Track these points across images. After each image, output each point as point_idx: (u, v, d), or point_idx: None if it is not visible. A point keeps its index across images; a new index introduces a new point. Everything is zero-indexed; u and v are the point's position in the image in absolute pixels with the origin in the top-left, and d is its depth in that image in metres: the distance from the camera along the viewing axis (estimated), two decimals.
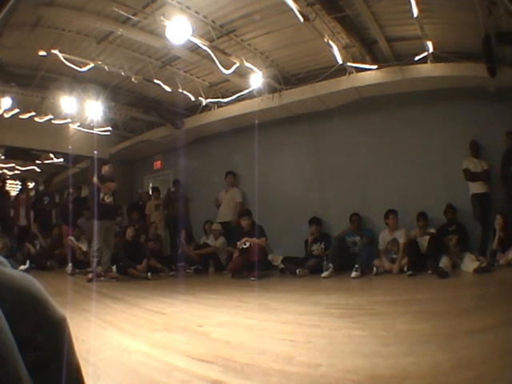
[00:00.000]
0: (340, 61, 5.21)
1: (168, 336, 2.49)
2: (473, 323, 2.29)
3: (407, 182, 5.71)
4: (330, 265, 5.15)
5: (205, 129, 7.49)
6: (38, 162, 10.74)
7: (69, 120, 7.53)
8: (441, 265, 4.44)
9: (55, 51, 5.20)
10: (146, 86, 6.56)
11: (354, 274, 4.91)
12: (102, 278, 5.42)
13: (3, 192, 8.73)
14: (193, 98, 6.66)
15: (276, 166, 6.98)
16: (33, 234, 7.37)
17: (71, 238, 6.82)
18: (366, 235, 5.61)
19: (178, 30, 4.40)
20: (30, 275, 0.92)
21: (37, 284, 0.90)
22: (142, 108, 7.71)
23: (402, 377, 1.58)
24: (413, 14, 4.12)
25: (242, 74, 5.95)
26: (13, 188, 10.79)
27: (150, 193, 9.07)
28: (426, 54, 4.92)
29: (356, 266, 4.97)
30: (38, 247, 7.04)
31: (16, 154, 9.56)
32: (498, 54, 4.58)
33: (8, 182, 10.64)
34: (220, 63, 5.27)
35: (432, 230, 5.19)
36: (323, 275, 5.08)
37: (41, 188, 12.56)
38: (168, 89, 6.28)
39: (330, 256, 5.31)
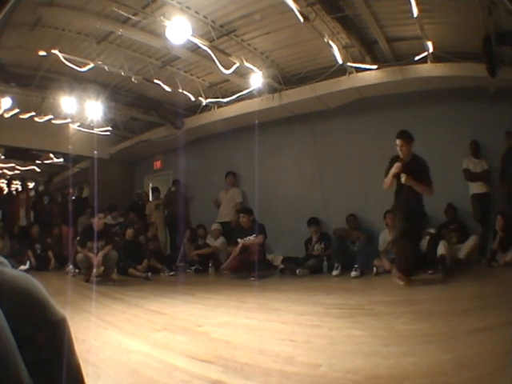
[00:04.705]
0: (340, 61, 5.21)
1: (168, 336, 2.49)
2: (473, 323, 2.29)
3: None
4: (337, 264, 5.16)
5: (205, 129, 7.49)
6: (38, 161, 10.75)
7: (69, 120, 7.52)
8: (439, 252, 4.50)
9: (55, 51, 5.20)
10: (146, 86, 6.55)
11: (353, 273, 4.91)
12: (100, 279, 5.40)
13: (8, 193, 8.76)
14: (193, 98, 6.65)
15: (276, 166, 6.98)
16: (33, 236, 7.32)
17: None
18: (364, 232, 5.59)
19: (178, 29, 4.39)
20: (30, 275, 0.92)
21: (37, 284, 0.90)
22: (142, 108, 7.70)
23: (401, 377, 1.57)
24: (413, 14, 4.12)
25: (242, 74, 5.95)
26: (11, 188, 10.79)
27: (150, 193, 9.09)
28: (425, 53, 4.92)
29: (355, 265, 4.97)
30: (39, 251, 7.02)
31: (16, 154, 9.56)
32: (497, 54, 4.58)
33: (13, 182, 10.67)
34: (220, 63, 5.27)
35: (431, 231, 5.18)
36: (334, 273, 5.09)
37: (41, 188, 12.56)
38: (168, 89, 6.27)
39: (334, 256, 5.33)
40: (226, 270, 5.81)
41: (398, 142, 4.08)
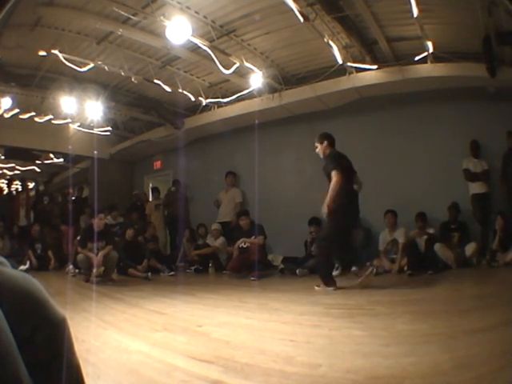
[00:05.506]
0: (340, 61, 5.21)
1: (168, 336, 2.49)
2: (473, 323, 2.29)
3: (407, 182, 5.71)
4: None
5: (205, 129, 7.49)
6: (38, 161, 10.75)
7: (69, 120, 7.52)
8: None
9: (55, 51, 5.20)
10: (146, 86, 6.55)
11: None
12: (100, 279, 5.39)
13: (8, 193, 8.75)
14: (193, 98, 6.65)
15: (276, 166, 6.98)
16: (33, 236, 7.30)
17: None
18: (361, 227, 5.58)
19: (178, 29, 4.40)
20: (30, 275, 0.92)
21: (37, 284, 0.90)
22: (142, 108, 7.70)
23: (402, 377, 1.57)
24: (413, 14, 4.12)
25: (242, 73, 5.95)
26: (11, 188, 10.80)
27: (150, 193, 9.09)
28: (425, 54, 4.92)
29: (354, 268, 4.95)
30: (39, 251, 7.01)
31: (16, 154, 9.57)
32: (497, 54, 4.58)
33: (13, 182, 10.67)
34: (220, 63, 5.27)
35: (431, 231, 5.19)
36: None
37: (41, 188, 12.56)
38: (168, 89, 6.27)
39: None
40: (228, 271, 5.81)
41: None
